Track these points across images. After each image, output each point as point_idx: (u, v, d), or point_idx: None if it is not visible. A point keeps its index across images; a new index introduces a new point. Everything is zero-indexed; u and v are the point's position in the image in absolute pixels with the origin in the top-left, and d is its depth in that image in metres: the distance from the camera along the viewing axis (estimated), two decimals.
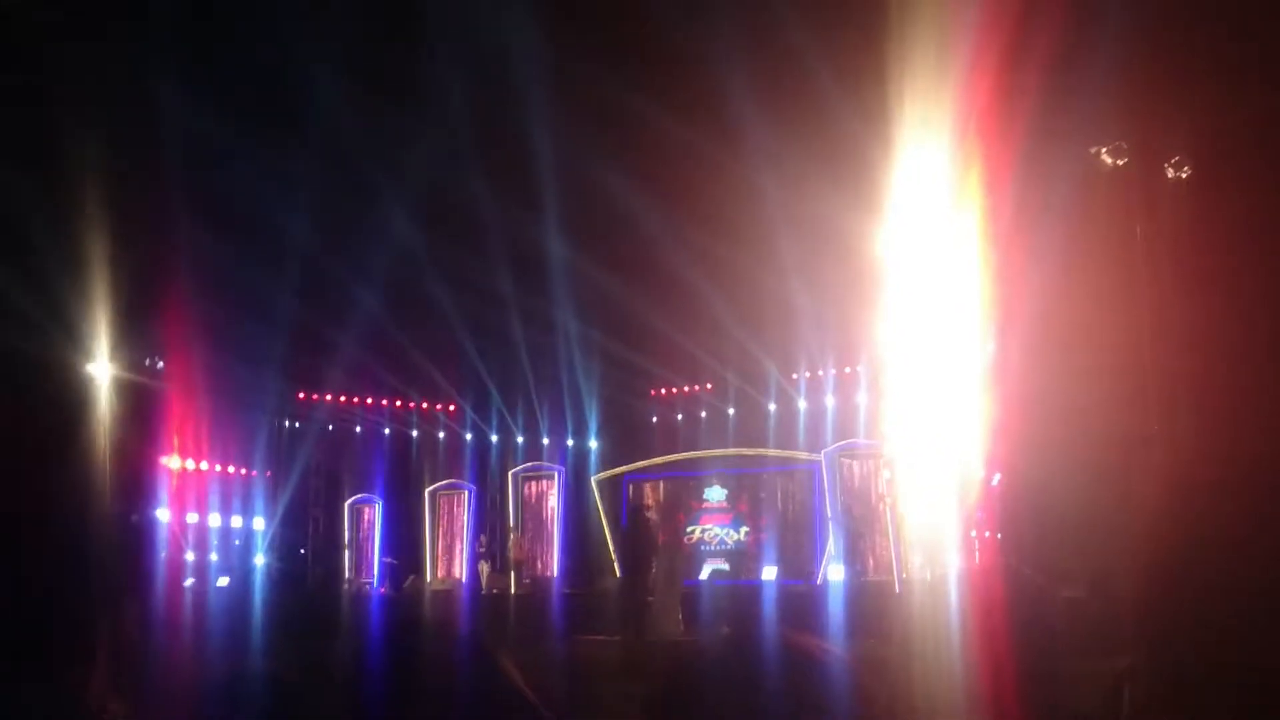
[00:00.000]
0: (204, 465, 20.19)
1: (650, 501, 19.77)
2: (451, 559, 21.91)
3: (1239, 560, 1.07)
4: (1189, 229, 8.92)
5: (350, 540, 22.32)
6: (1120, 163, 9.59)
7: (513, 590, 19.51)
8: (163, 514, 17.61)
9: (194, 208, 11.13)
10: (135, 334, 14.09)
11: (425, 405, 21.84)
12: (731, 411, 19.57)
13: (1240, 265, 7.62)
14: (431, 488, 22.05)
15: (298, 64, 10.68)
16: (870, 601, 12.38)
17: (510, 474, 21.48)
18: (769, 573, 17.17)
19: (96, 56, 10.07)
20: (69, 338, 12.82)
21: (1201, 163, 9.28)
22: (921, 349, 10.76)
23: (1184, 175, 9.52)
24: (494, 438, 21.71)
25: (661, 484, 20.38)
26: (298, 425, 21.84)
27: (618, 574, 17.89)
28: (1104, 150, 9.59)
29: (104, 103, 10.54)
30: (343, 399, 21.41)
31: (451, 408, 21.75)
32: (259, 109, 11.38)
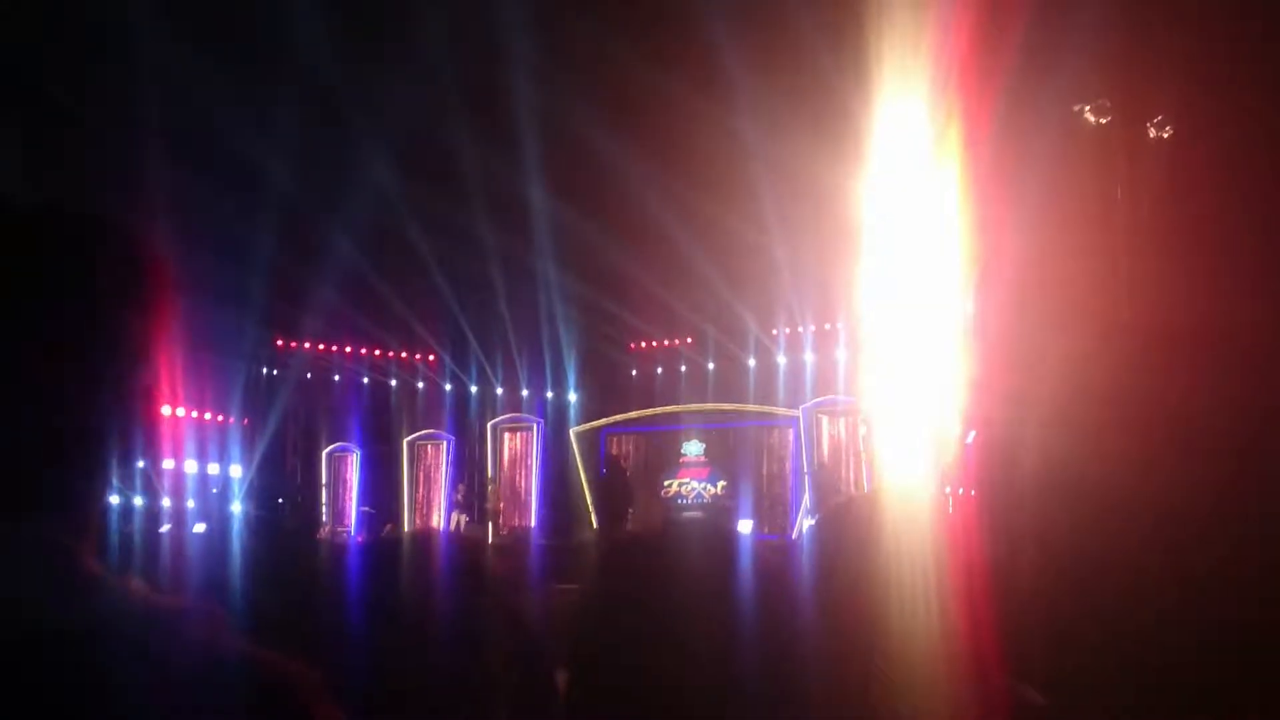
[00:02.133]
0: (180, 411, 20.11)
1: (618, 453, 19.85)
2: (429, 509, 21.96)
3: (1215, 521, 1.07)
4: (1171, 187, 8.92)
5: (328, 488, 22.34)
6: (1102, 121, 9.57)
7: (489, 541, 19.58)
8: (137, 459, 17.54)
9: (167, 147, 11.00)
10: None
11: (404, 355, 21.79)
12: (711, 366, 19.62)
13: (1222, 222, 7.65)
14: (410, 437, 22.05)
15: (281, 6, 10.54)
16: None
17: (489, 425, 21.49)
18: (745, 526, 17.29)
19: None
20: None
21: (1184, 121, 9.27)
22: (901, 305, 10.78)
23: (1165, 134, 9.52)
24: (473, 389, 21.69)
25: (640, 437, 20.45)
26: (275, 373, 21.76)
27: (595, 525, 18.02)
28: (1087, 108, 9.56)
29: (71, 31, 10.40)
30: (321, 347, 21.33)
31: (431, 358, 21.71)
32: (239, 45, 11.23)
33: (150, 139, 10.67)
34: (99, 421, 0.99)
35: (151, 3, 10.04)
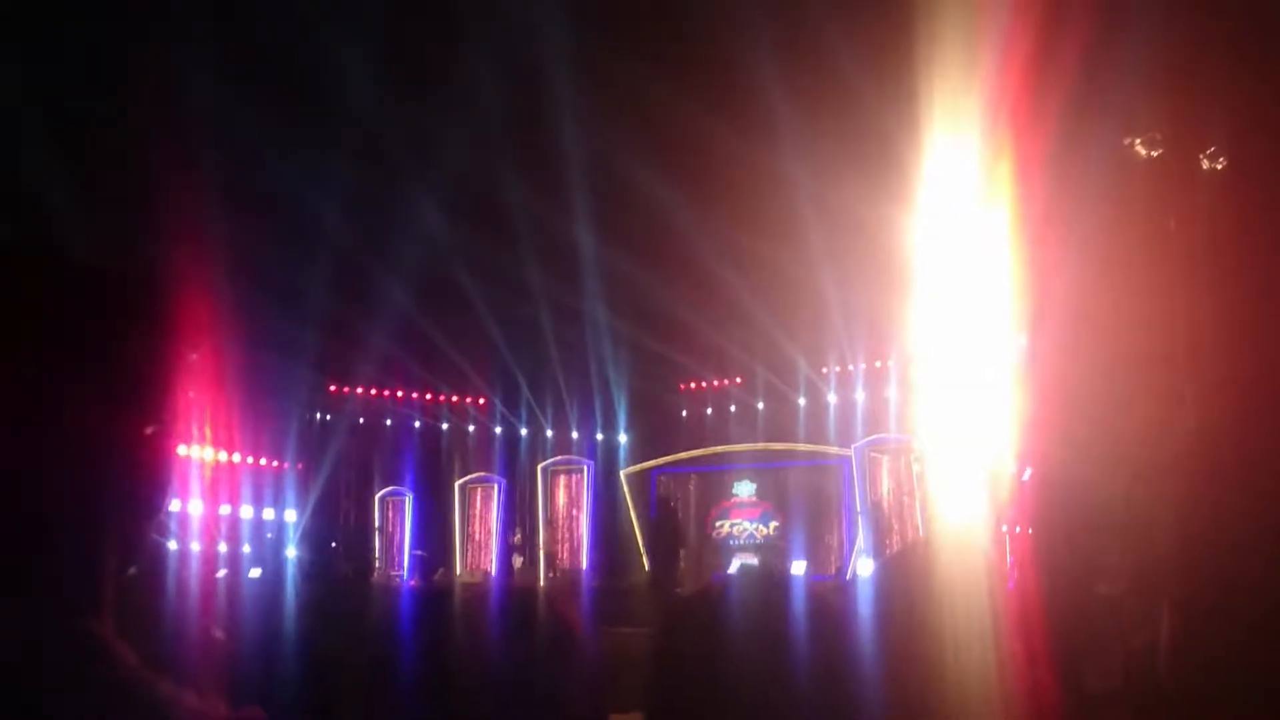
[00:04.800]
0: (236, 457, 20.35)
1: (669, 494, 19.77)
2: (481, 551, 21.97)
3: (1272, 558, 1.05)
4: (1225, 221, 8.81)
5: (380, 532, 22.44)
6: (1155, 154, 9.48)
7: (541, 583, 19.55)
8: (195, 506, 17.79)
9: (226, 200, 11.20)
10: None
11: (455, 398, 21.92)
12: (761, 406, 19.53)
13: (1276, 257, 7.52)
14: (461, 480, 22.12)
15: (336, 58, 10.74)
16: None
17: (540, 467, 21.51)
18: (798, 567, 17.12)
19: (128, 48, 10.17)
20: None
21: (1237, 153, 9.16)
22: (953, 342, 10.69)
23: (1219, 166, 9.41)
24: (523, 431, 21.75)
25: (690, 478, 20.37)
26: (329, 418, 21.98)
27: (647, 567, 17.94)
28: (1138, 141, 9.48)
29: (135, 90, 10.64)
30: (373, 392, 21.52)
31: (481, 401, 21.82)
32: (297, 101, 11.45)
33: (211, 191, 10.88)
34: (147, 474, 0.97)
35: (207, 56, 10.27)
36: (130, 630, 0.91)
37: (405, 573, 21.36)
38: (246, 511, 20.82)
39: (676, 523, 16.74)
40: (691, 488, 20.28)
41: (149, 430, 0.97)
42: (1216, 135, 9.17)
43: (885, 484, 17.98)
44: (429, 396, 21.84)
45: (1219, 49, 8.25)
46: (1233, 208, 8.71)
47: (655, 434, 20.82)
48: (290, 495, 21.55)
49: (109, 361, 0.95)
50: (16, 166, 10.70)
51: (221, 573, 18.29)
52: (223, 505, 19.91)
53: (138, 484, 0.98)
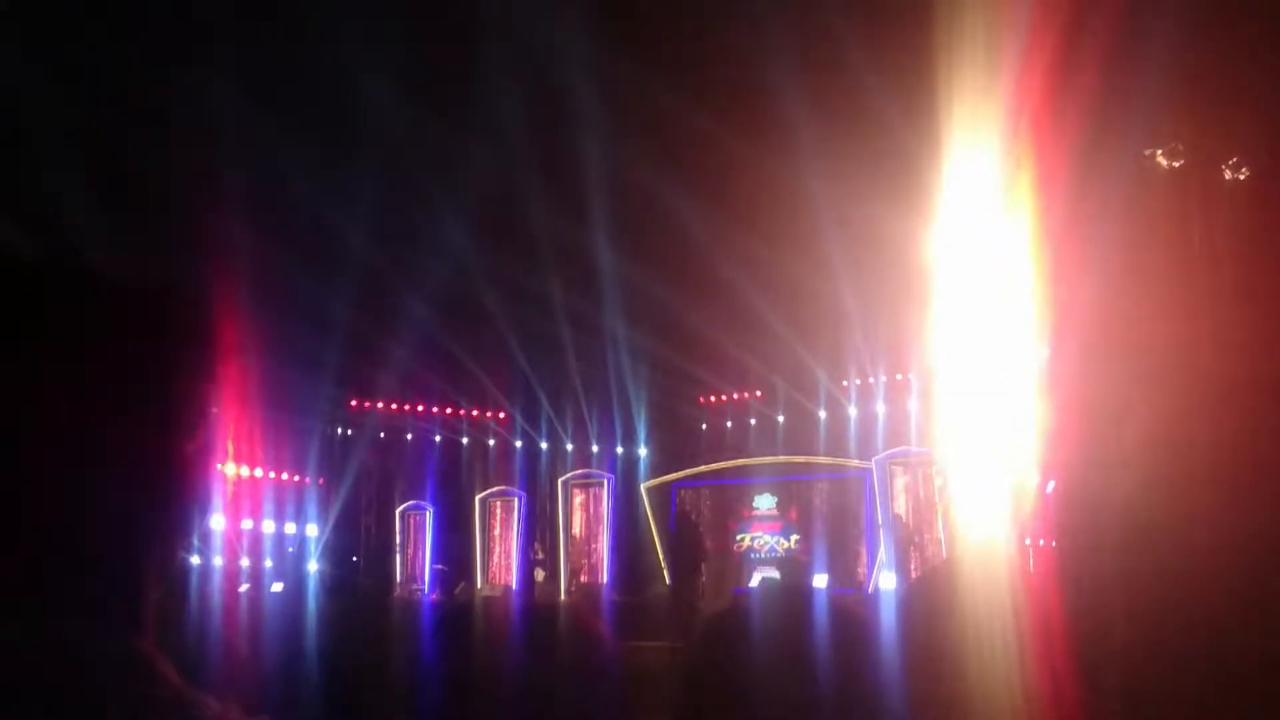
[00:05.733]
0: (259, 472, 20.45)
1: (690, 507, 19.74)
2: (501, 566, 21.99)
3: None
4: (1248, 231, 8.75)
5: (402, 546, 22.49)
6: (1176, 164, 9.43)
7: (562, 597, 19.55)
8: (218, 521, 17.86)
9: (250, 217, 11.29)
10: None
11: (475, 412, 21.96)
12: (781, 418, 19.48)
13: None
14: (482, 494, 22.16)
15: (355, 73, 10.81)
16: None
17: (560, 481, 21.52)
18: (820, 581, 17.06)
19: (149, 64, 10.27)
20: None
21: (1260, 164, 9.10)
22: (974, 354, 10.65)
23: (1241, 176, 9.35)
24: (543, 445, 21.77)
25: (711, 491, 20.34)
26: (349, 432, 22.06)
27: (667, 581, 17.90)
28: (1159, 152, 9.44)
29: (165, 110, 10.75)
30: (394, 406, 21.60)
31: (501, 415, 21.86)
32: (320, 120, 11.53)
33: (235, 208, 10.96)
34: (170, 492, 0.97)
35: (232, 72, 10.36)
36: (165, 645, 0.92)
37: (426, 587, 21.40)
38: (268, 526, 20.91)
39: (697, 536, 16.70)
40: (712, 501, 20.25)
41: (191, 448, 0.98)
42: (1241, 145, 9.12)
43: (906, 497, 17.91)
44: (449, 411, 21.89)
45: (1243, 58, 8.21)
46: (1258, 218, 8.66)
47: (675, 447, 20.81)
48: (312, 510, 21.64)
49: (152, 380, 0.96)
50: (50, 185, 10.82)
51: (244, 588, 18.40)
52: (245, 520, 20.00)
53: (180, 502, 0.99)
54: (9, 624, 0.86)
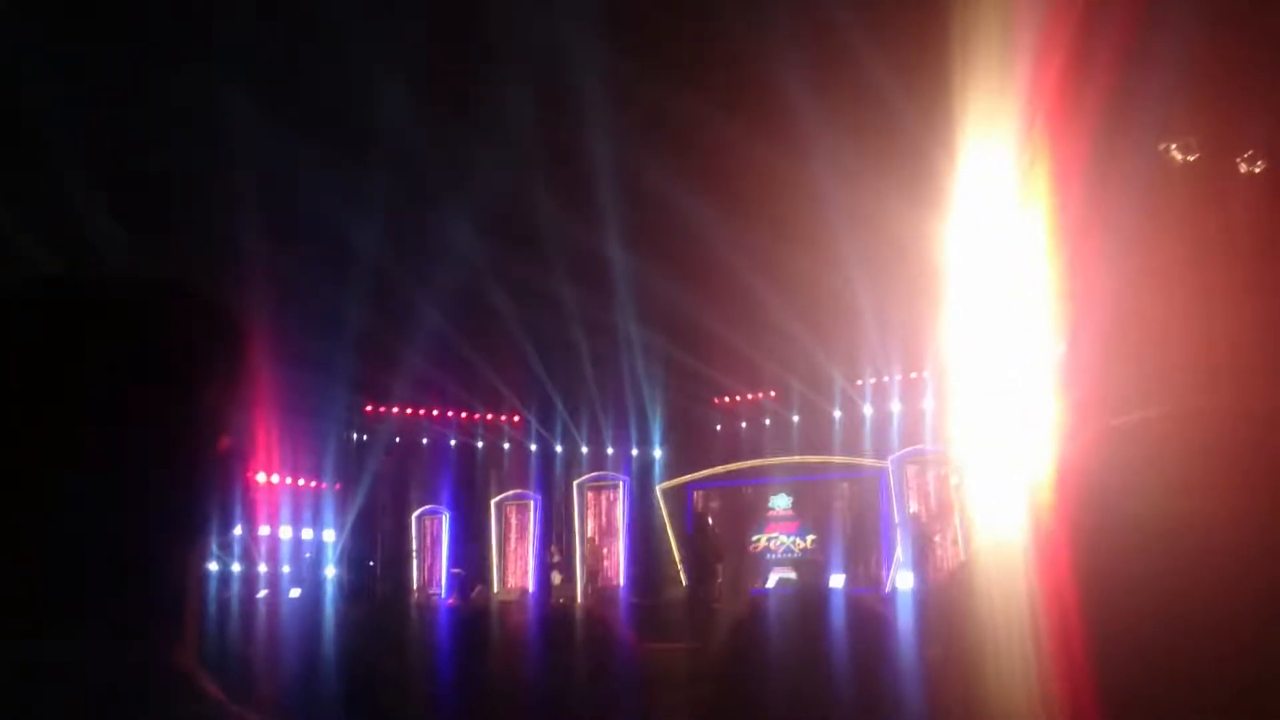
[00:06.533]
0: (276, 478, 20.52)
1: (705, 509, 19.70)
2: (518, 569, 22.01)
3: None
4: (1264, 225, 8.70)
5: (418, 551, 22.53)
6: (1191, 158, 9.40)
7: (579, 600, 19.55)
8: (237, 527, 17.90)
9: (268, 224, 11.34)
10: None
11: (490, 416, 22.00)
12: (796, 418, 19.44)
13: None
14: (497, 498, 22.18)
15: (377, 78, 10.86)
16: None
17: (575, 484, 21.53)
18: (837, 581, 17.03)
19: (160, 71, 10.33)
20: None
21: (1275, 157, 9.06)
22: (990, 351, 10.62)
23: (1257, 170, 9.31)
24: (558, 448, 21.78)
25: (726, 492, 20.32)
26: (366, 437, 22.12)
27: (684, 583, 17.89)
28: (1174, 146, 9.40)
29: (169, 116, 10.80)
30: (410, 411, 21.64)
31: (516, 418, 21.88)
32: (334, 126, 11.58)
33: (253, 214, 11.01)
34: (205, 500, 0.97)
35: (248, 83, 10.41)
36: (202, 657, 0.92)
37: (443, 591, 21.43)
38: (286, 532, 20.98)
39: (713, 538, 16.67)
40: (728, 502, 20.22)
41: (221, 453, 0.98)
42: (1257, 138, 9.08)
43: (923, 496, 17.86)
44: (464, 415, 21.93)
45: (1255, 51, 8.17)
46: (1275, 211, 8.61)
47: (690, 449, 20.79)
48: (329, 515, 21.70)
49: (182, 386, 0.95)
50: (69, 189, 10.90)
51: (263, 593, 18.46)
52: (263, 526, 20.07)
53: (214, 511, 0.98)
54: (54, 646, 0.86)
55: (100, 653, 0.86)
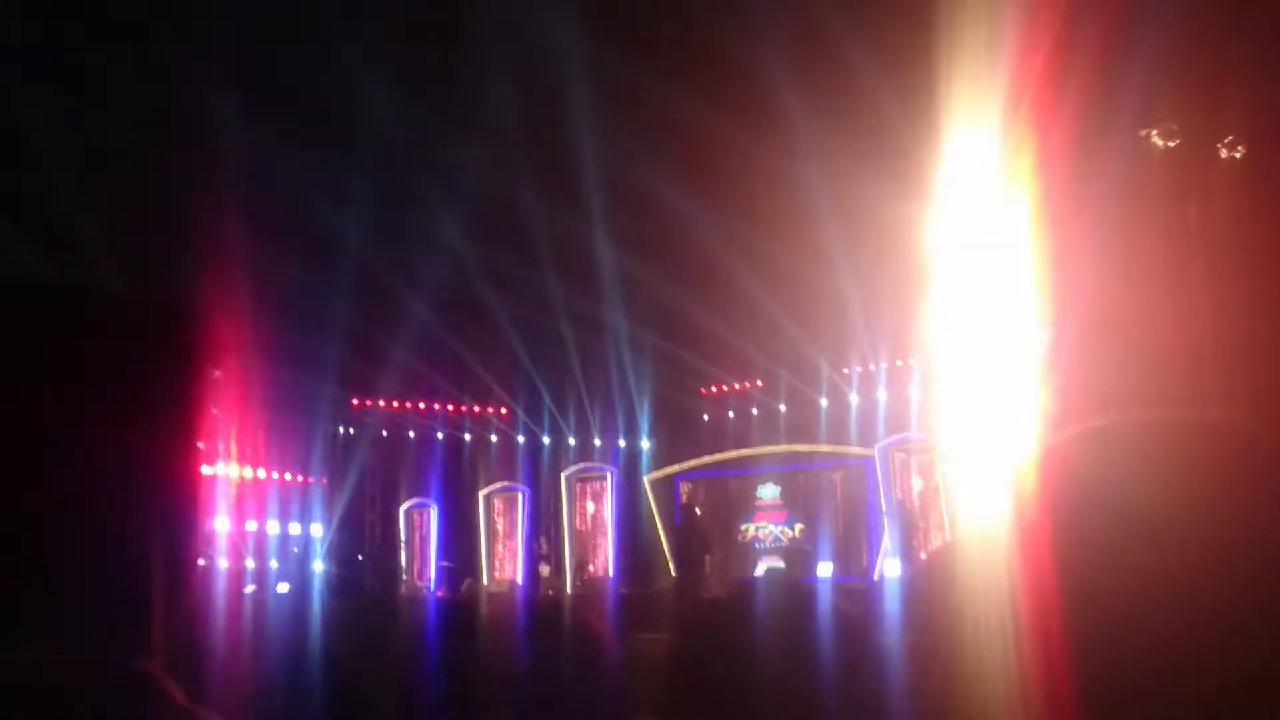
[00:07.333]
0: (262, 473, 20.47)
1: (693, 499, 19.73)
2: (507, 561, 22.02)
3: None
4: (1249, 213, 8.75)
5: (406, 544, 22.51)
6: (1172, 144, 9.43)
7: (568, 591, 19.57)
8: (222, 523, 17.89)
9: (247, 217, 11.28)
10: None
11: (477, 409, 21.97)
12: (783, 408, 19.47)
13: None
14: (485, 490, 22.17)
15: (351, 74, 10.81)
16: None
17: (563, 475, 21.54)
18: (824, 569, 17.08)
19: (144, 65, 10.28)
20: None
21: (1260, 144, 9.10)
22: (975, 339, 10.65)
23: (1238, 156, 9.35)
24: (546, 439, 21.78)
25: (714, 482, 20.35)
26: (352, 431, 22.07)
27: (673, 573, 17.92)
28: (1154, 132, 9.43)
29: (151, 112, 10.75)
30: (396, 404, 21.60)
31: (503, 410, 21.85)
32: (316, 119, 11.53)
33: (232, 209, 10.96)
34: (173, 506, 0.96)
35: (222, 77, 10.35)
36: (174, 655, 0.91)
37: (432, 584, 21.43)
38: (273, 527, 20.93)
39: (701, 528, 16.67)
40: (715, 492, 20.25)
41: (189, 458, 0.97)
42: (1239, 127, 9.11)
43: (909, 484, 17.92)
44: (451, 407, 21.89)
45: (1241, 39, 8.20)
46: (1257, 200, 8.65)
47: (678, 439, 20.81)
48: (316, 509, 21.65)
49: (132, 389, 0.95)
50: (43, 193, 10.84)
51: (250, 588, 18.42)
52: (249, 521, 20.02)
53: (184, 514, 0.97)
54: (14, 650, 0.86)
55: (58, 655, 0.86)
